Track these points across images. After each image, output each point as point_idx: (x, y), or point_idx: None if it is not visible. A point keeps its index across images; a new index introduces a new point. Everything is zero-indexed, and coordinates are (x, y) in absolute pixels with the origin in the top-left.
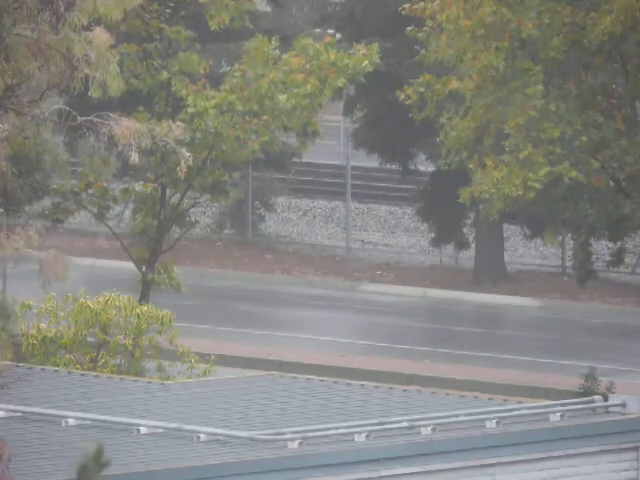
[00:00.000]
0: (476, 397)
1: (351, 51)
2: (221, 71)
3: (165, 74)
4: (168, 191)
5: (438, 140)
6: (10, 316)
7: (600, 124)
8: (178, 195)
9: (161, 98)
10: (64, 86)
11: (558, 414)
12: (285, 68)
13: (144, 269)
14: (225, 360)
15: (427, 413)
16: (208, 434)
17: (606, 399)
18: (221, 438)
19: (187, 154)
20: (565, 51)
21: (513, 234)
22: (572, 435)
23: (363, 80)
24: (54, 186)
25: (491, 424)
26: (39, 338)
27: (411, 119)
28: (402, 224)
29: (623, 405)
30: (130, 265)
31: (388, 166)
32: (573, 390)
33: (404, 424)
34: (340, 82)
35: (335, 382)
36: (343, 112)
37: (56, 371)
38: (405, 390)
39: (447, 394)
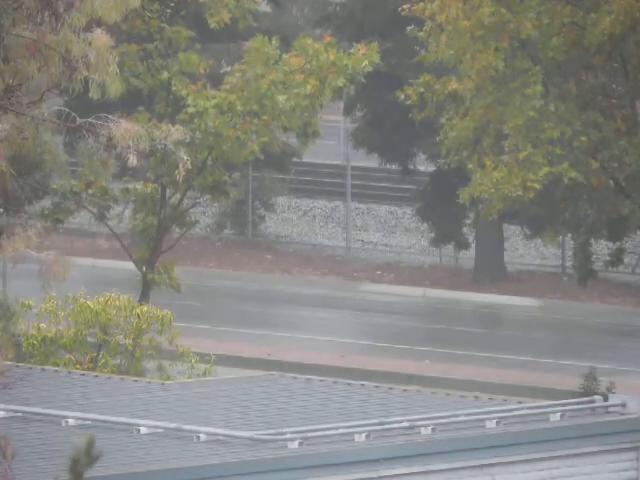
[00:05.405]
0: (476, 397)
1: (351, 51)
2: (221, 71)
3: (165, 74)
4: (168, 191)
5: (438, 140)
6: (12, 316)
7: (600, 124)
8: (178, 195)
9: (161, 98)
10: (63, 87)
11: (558, 414)
12: (285, 68)
13: (144, 269)
14: (225, 360)
15: (427, 413)
16: (208, 434)
17: (606, 399)
18: (221, 438)
19: (186, 157)
20: (565, 51)
21: (513, 234)
22: (572, 435)
23: (363, 80)
24: (54, 186)
25: (491, 424)
26: (39, 338)
27: (411, 119)
28: (402, 224)
29: (623, 405)
30: (130, 265)
31: (388, 166)
32: (573, 390)
33: (404, 424)
34: (340, 82)
35: (335, 382)
36: (343, 112)
37: (56, 371)
38: (405, 390)
39: (447, 394)
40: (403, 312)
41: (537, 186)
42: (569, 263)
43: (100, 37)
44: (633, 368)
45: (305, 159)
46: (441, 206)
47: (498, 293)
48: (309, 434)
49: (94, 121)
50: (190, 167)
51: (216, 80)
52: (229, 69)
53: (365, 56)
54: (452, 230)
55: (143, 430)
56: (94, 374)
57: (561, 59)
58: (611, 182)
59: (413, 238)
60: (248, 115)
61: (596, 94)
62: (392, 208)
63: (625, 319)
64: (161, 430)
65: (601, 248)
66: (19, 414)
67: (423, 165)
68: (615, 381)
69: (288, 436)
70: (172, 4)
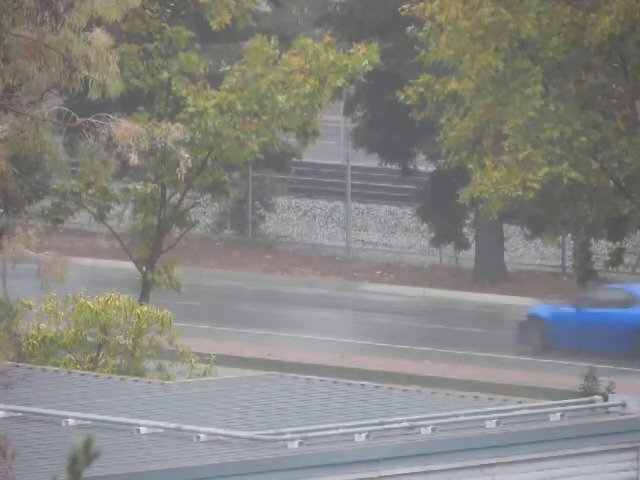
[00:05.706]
0: (476, 397)
1: (351, 51)
2: (221, 70)
3: (165, 74)
4: (168, 191)
5: (438, 140)
6: (15, 315)
7: (600, 124)
8: (178, 195)
9: (161, 98)
10: (63, 87)
11: (558, 414)
12: (285, 68)
13: (144, 269)
14: (225, 360)
15: (427, 413)
16: (208, 434)
17: (606, 399)
18: (221, 438)
19: (186, 156)
20: (565, 51)
21: (513, 234)
22: (572, 435)
23: (363, 80)
24: (54, 186)
25: (491, 424)
26: (39, 338)
27: (411, 119)
28: (402, 224)
29: (623, 405)
30: (130, 265)
31: (388, 166)
32: (573, 390)
33: (404, 424)
34: (340, 82)
35: (335, 382)
36: (343, 112)
37: (56, 371)
38: (405, 390)
39: (447, 394)
40: (403, 312)
41: (537, 186)
42: (569, 263)
43: (100, 37)
44: (633, 368)
45: (305, 159)
46: (441, 206)
47: (498, 293)
48: (309, 434)
49: (94, 121)
50: (190, 165)
51: (216, 80)
52: (229, 69)
53: (365, 56)
54: (452, 230)
55: (143, 430)
56: (94, 374)
57: (561, 59)
58: (611, 182)
59: (413, 238)
60: (248, 115)
61: (596, 94)
62: (392, 208)
63: None
64: (161, 430)
65: (601, 248)
66: (19, 414)
67: (423, 165)
68: (615, 381)
69: (288, 436)
70: (172, 4)
